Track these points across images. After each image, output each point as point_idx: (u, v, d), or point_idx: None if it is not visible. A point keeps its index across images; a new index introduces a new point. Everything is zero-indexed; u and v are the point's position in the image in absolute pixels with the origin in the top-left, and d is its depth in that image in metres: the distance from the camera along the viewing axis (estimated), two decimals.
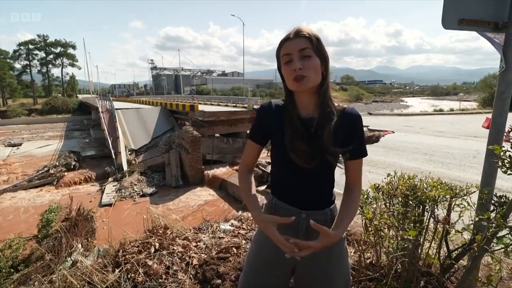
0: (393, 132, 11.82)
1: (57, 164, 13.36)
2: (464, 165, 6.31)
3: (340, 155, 1.00)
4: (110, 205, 9.95)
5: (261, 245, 1.08)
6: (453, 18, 1.51)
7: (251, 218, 3.13)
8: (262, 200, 9.37)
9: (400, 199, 1.72)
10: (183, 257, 1.99)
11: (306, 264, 1.02)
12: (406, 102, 55.25)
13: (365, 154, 0.99)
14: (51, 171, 12.53)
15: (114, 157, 13.08)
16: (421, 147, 8.56)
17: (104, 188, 11.28)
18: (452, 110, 26.81)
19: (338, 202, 1.10)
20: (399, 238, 1.58)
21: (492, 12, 1.55)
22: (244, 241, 2.42)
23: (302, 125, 0.95)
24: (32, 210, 9.43)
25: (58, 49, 47.59)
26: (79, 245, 4.28)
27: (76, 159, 14.28)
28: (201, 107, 16.59)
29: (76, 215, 7.19)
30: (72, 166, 13.42)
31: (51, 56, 47.59)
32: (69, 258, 3.11)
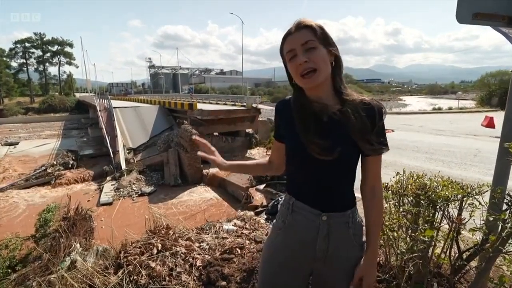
0: (393, 131, 11.80)
1: (55, 163, 13.23)
2: (465, 164, 6.30)
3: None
4: (108, 204, 9.87)
5: (276, 250, 1.03)
6: (468, 13, 1.46)
7: (254, 217, 3.08)
8: (262, 199, 9.34)
9: (411, 198, 1.67)
10: (187, 258, 1.94)
11: (325, 270, 0.98)
12: (405, 100, 55.24)
13: (387, 148, 0.91)
14: (49, 170, 12.40)
15: (112, 156, 12.99)
16: (422, 145, 8.55)
17: (103, 187, 11.19)
18: (450, 108, 26.89)
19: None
20: (411, 239, 1.54)
21: (507, 6, 1.50)
22: (247, 242, 2.37)
23: (316, 116, 0.91)
24: (29, 210, 9.32)
25: (55, 47, 47.10)
26: (78, 245, 4.21)
27: (74, 158, 14.15)
28: (200, 106, 16.50)
29: (74, 215, 7.11)
30: (70, 165, 13.29)
31: (48, 54, 47.07)
32: (68, 258, 3.06)
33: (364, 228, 1.02)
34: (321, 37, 0.87)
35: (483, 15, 1.48)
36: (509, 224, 1.37)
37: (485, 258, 1.55)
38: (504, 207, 1.55)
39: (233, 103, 20.37)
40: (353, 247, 0.96)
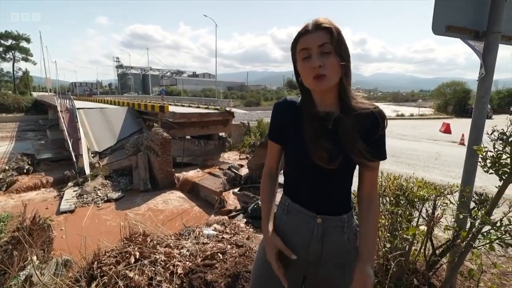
0: None
1: (7, 168, 12.02)
2: (428, 166, 6.78)
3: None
4: (69, 212, 9.17)
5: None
6: (442, 25, 1.58)
7: (234, 222, 3.03)
8: (235, 203, 9.26)
9: (391, 198, 1.75)
10: (167, 266, 1.84)
11: (318, 274, 0.97)
12: None
13: (386, 157, 0.96)
14: (0, 176, 11.25)
15: (74, 160, 12.11)
16: (388, 149, 8.99)
17: (63, 193, 10.36)
18: (412, 115, 28.90)
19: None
20: (393, 237, 1.60)
21: (474, 21, 1.65)
22: (229, 246, 2.31)
23: (321, 122, 0.89)
24: None
25: (9, 42, 43.18)
26: (34, 257, 3.84)
27: (30, 162, 12.97)
28: (172, 108, 16.03)
29: (30, 224, 6.49)
30: (25, 170, 12.16)
31: (0, 49, 43.05)
32: (22, 273, 2.79)
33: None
34: (336, 43, 0.85)
35: (455, 28, 1.60)
36: (478, 221, 1.49)
37: (456, 253, 1.66)
38: (472, 205, 1.68)
39: (206, 106, 20.09)
40: (348, 251, 0.95)
